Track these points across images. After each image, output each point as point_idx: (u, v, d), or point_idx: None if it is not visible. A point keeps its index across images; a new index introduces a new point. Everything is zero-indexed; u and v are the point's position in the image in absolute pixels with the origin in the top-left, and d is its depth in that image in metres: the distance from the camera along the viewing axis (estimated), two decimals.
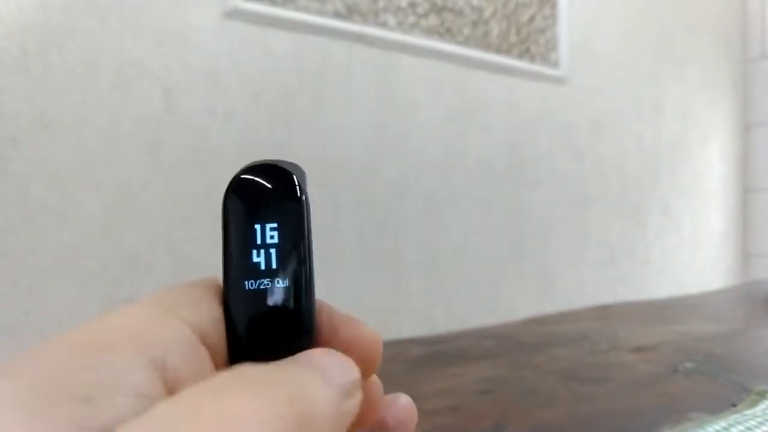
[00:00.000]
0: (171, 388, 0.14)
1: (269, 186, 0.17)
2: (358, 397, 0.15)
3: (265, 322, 0.17)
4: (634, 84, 1.54)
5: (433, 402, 0.40)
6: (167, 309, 0.15)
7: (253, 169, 0.18)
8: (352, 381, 0.15)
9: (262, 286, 0.17)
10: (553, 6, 1.32)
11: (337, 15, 0.99)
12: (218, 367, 0.16)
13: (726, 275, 1.82)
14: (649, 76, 1.59)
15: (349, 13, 1.00)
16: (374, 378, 0.18)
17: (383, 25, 1.05)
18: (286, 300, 0.17)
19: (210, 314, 0.16)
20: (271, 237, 0.17)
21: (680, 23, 1.68)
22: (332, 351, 0.16)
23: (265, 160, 0.18)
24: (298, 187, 0.18)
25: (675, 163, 1.66)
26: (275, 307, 0.17)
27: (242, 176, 0.17)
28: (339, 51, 1.00)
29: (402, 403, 0.18)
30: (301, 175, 0.18)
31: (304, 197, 0.18)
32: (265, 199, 0.17)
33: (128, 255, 0.80)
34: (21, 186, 0.72)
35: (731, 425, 0.31)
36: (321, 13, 0.97)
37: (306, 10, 0.95)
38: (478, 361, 0.51)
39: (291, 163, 0.18)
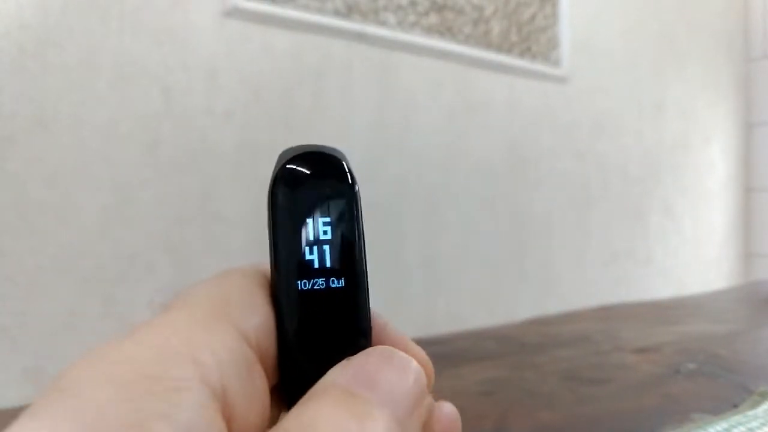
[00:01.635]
0: (227, 419, 0.13)
1: (321, 177, 0.16)
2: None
3: (320, 325, 0.16)
4: (635, 83, 1.54)
5: None
6: (220, 316, 0.14)
7: (301, 157, 0.16)
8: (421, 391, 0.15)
9: (316, 287, 0.16)
10: (554, 5, 1.32)
11: (337, 13, 0.98)
12: (269, 375, 0.15)
13: (728, 275, 1.82)
14: (651, 75, 1.58)
15: (350, 12, 1.00)
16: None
17: (383, 23, 1.04)
18: (341, 302, 0.16)
19: (263, 316, 0.15)
20: (324, 233, 0.16)
21: (682, 22, 1.67)
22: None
23: (309, 146, 0.17)
24: (350, 176, 0.16)
25: (676, 163, 1.66)
26: (330, 310, 0.16)
27: (290, 165, 0.16)
28: (339, 50, 1.00)
29: (446, 412, 0.17)
30: (348, 161, 0.17)
31: (356, 188, 0.17)
32: (317, 192, 0.16)
33: (127, 255, 0.79)
34: (19, 186, 0.72)
35: (733, 426, 0.31)
36: (321, 11, 0.96)
37: (306, 8, 0.95)
38: (479, 361, 0.51)
39: (333, 149, 0.17)
